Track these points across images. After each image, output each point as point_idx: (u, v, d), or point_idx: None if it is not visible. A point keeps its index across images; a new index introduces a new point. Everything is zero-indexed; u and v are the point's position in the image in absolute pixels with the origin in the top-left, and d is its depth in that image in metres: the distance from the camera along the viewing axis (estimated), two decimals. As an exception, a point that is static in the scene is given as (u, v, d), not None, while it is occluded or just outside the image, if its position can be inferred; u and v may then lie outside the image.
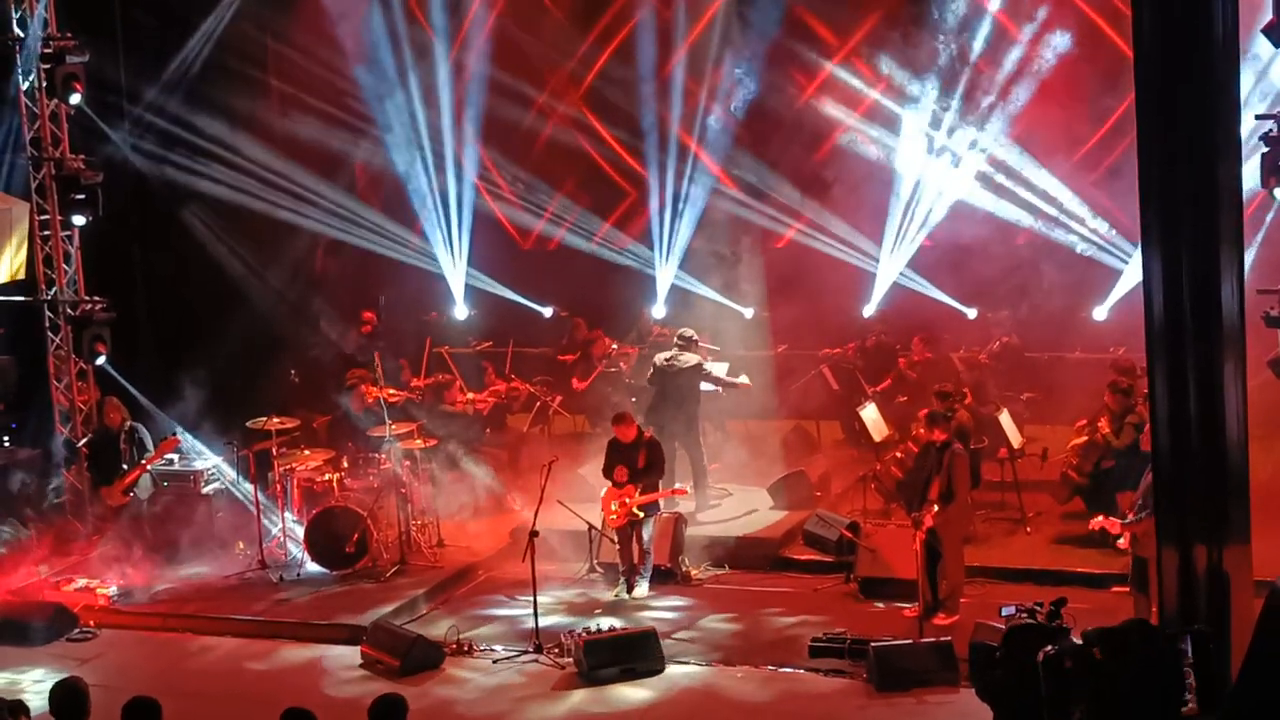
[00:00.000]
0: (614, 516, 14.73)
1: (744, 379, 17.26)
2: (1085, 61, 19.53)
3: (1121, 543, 12.68)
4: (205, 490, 16.33)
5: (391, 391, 17.09)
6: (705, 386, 16.92)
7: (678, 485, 15.45)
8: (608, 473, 14.90)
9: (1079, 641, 8.65)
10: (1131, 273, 18.27)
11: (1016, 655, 8.67)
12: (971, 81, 19.74)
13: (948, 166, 19.90)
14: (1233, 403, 9.67)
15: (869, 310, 20.40)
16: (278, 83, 21.10)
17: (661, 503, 15.13)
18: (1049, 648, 8.41)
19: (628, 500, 14.62)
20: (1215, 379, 9.61)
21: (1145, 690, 8.38)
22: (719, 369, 17.30)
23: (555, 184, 22.08)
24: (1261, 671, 9.13)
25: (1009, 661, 8.74)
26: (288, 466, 15.95)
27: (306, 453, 16.30)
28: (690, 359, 16.60)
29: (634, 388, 18.66)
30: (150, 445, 16.03)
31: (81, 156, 16.57)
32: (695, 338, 16.90)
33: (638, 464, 14.75)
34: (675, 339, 16.87)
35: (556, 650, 13.18)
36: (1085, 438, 15.44)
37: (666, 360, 16.64)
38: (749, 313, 20.53)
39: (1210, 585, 9.68)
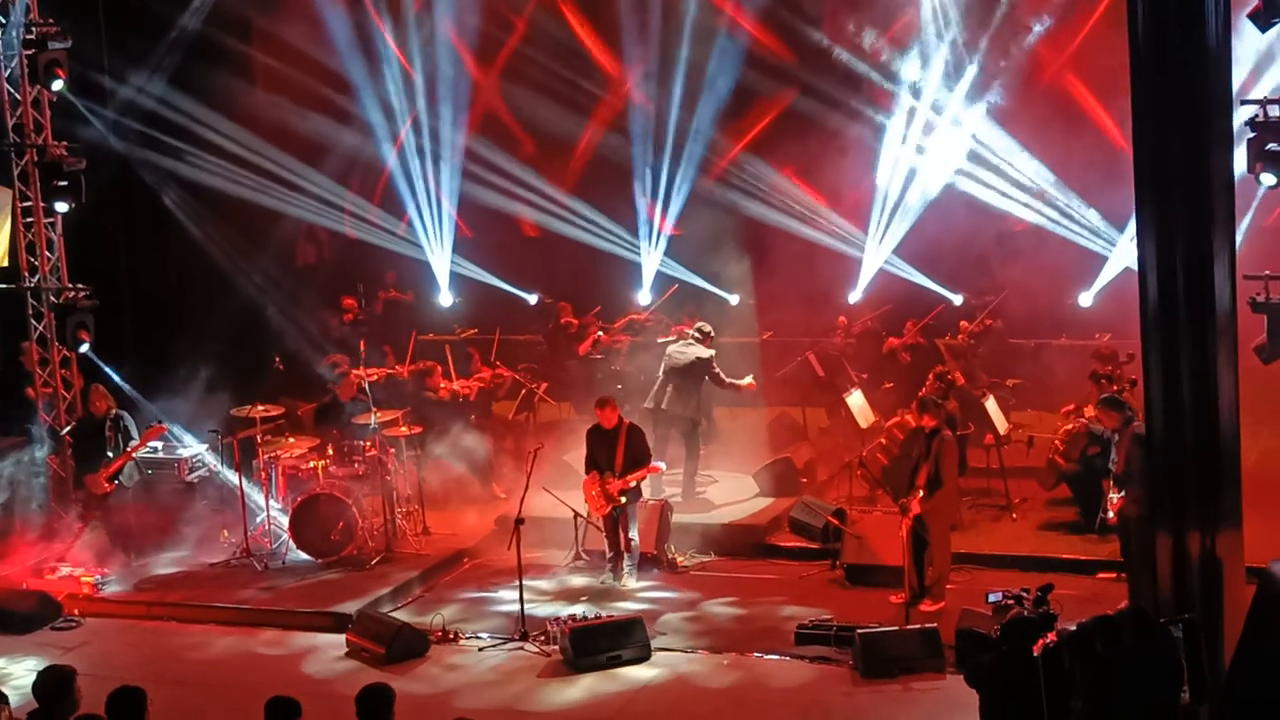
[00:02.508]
0: (595, 499, 14.66)
1: (749, 380, 17.04)
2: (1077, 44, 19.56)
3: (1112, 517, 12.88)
4: (190, 478, 16.25)
5: (372, 372, 17.02)
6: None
7: (654, 463, 15.07)
8: (590, 462, 14.83)
9: (1075, 630, 8.63)
10: (1117, 259, 18.29)
11: (1013, 644, 8.65)
12: (959, 66, 19.70)
13: (933, 152, 19.85)
14: (1226, 388, 9.69)
15: (855, 297, 20.36)
16: (261, 69, 21.02)
17: (645, 490, 15.08)
18: (1048, 638, 8.38)
19: (608, 485, 14.59)
20: (1209, 364, 9.62)
21: (1144, 679, 8.36)
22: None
23: (542, 170, 22.00)
24: (1255, 658, 9.14)
25: (1005, 648, 8.73)
26: (272, 454, 15.88)
27: (291, 440, 16.23)
28: (703, 352, 16.57)
29: (621, 374, 18.62)
30: (135, 433, 15.93)
31: (64, 143, 16.47)
32: (712, 333, 16.85)
33: (617, 451, 14.69)
34: (692, 331, 16.81)
35: (542, 638, 13.15)
36: (1072, 425, 15.44)
37: (677, 350, 16.63)
38: (734, 299, 20.49)
39: (1203, 571, 9.69)
